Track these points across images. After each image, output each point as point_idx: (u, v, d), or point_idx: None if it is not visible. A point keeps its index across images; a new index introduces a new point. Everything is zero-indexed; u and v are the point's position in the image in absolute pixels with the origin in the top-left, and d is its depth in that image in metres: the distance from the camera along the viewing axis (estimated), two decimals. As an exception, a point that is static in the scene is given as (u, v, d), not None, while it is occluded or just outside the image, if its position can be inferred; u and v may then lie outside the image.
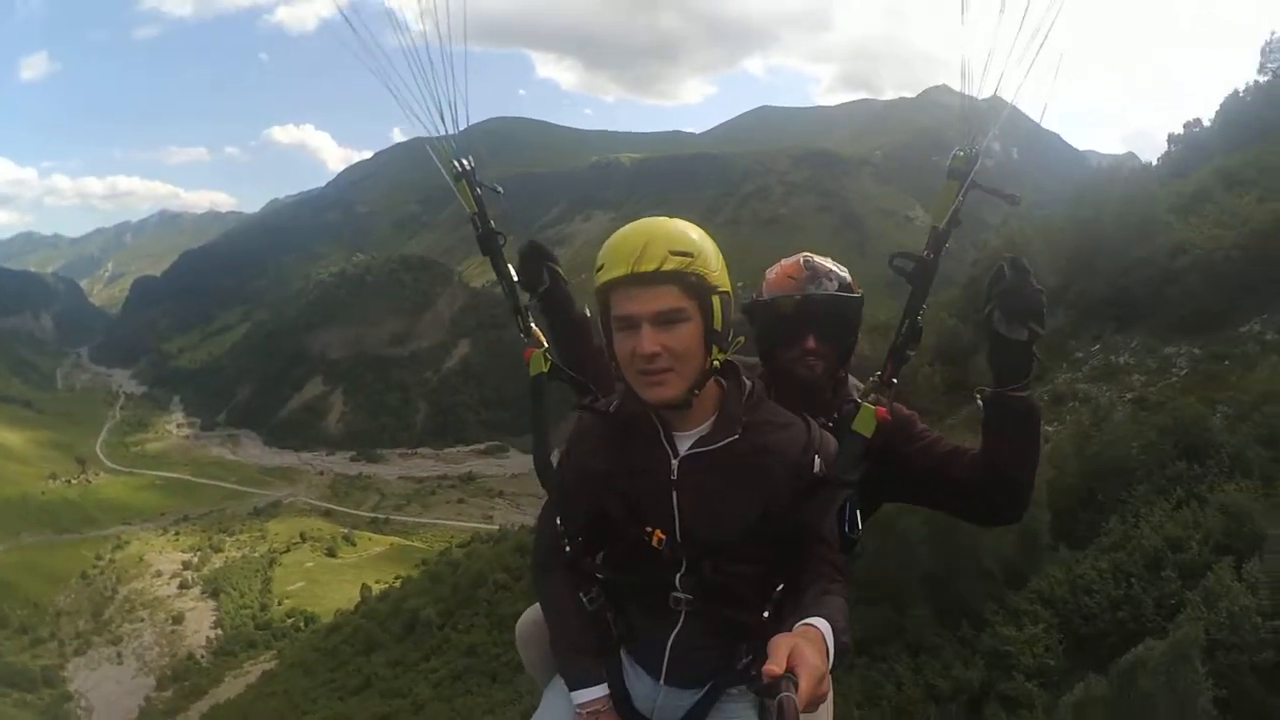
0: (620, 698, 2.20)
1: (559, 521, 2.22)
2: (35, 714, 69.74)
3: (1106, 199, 19.87)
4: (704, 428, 2.07)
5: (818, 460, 2.06)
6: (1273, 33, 29.72)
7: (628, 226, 2.00)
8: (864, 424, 2.17)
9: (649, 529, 2.05)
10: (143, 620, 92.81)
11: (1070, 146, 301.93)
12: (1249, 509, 9.59)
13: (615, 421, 2.13)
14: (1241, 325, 15.00)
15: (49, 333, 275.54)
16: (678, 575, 2.07)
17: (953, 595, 11.14)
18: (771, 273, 2.62)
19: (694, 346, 1.95)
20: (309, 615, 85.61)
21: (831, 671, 1.62)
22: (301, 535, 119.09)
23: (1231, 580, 8.11)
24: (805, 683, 1.44)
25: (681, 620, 2.11)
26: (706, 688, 2.15)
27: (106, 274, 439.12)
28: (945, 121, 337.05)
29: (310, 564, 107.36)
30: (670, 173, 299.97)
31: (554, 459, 2.30)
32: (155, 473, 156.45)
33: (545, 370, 2.42)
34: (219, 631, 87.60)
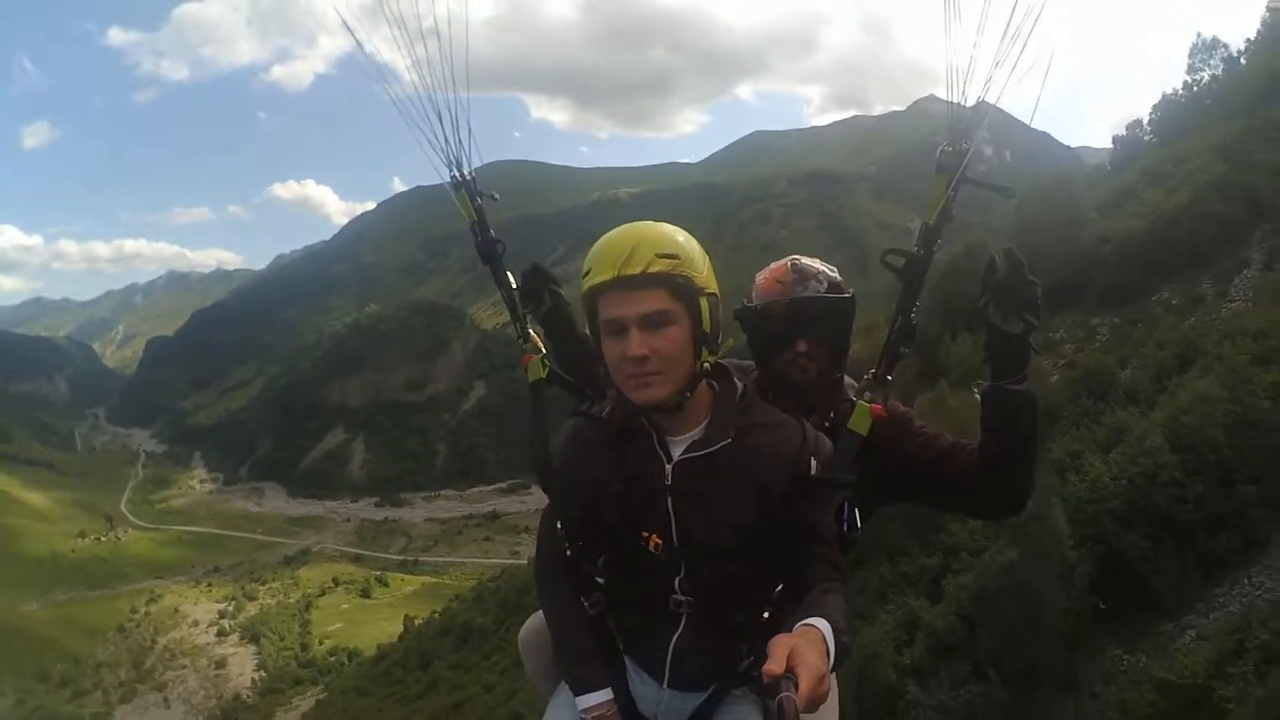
0: (624, 702, 2.24)
1: (559, 527, 2.26)
2: None
3: (1048, 201, 23.57)
4: (697, 432, 2.10)
5: (813, 461, 2.09)
6: (1198, 35, 32.80)
7: (614, 231, 2.03)
8: (859, 422, 2.24)
9: (645, 534, 2.08)
10: (185, 667, 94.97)
11: (1062, 145, 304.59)
12: (1129, 423, 12.92)
13: (609, 427, 2.17)
14: (1152, 295, 18.43)
15: (64, 396, 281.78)
16: (677, 579, 2.09)
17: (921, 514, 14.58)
18: (760, 278, 2.66)
19: (682, 349, 1.97)
20: (352, 651, 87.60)
21: (833, 671, 1.65)
22: (334, 580, 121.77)
23: (1099, 463, 11.57)
24: (805, 683, 1.44)
25: (683, 623, 2.13)
26: (710, 690, 2.19)
27: (118, 336, 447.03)
28: (936, 131, 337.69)
29: (346, 605, 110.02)
30: (669, 205, 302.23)
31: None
32: (182, 528, 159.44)
33: (543, 376, 2.49)
34: (263, 673, 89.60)
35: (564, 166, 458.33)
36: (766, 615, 2.05)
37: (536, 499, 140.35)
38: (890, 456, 2.38)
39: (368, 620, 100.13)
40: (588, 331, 2.12)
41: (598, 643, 2.23)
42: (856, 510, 2.27)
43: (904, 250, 2.27)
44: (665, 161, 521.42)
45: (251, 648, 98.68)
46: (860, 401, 2.24)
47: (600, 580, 2.18)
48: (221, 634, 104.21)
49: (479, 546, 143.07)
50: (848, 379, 2.60)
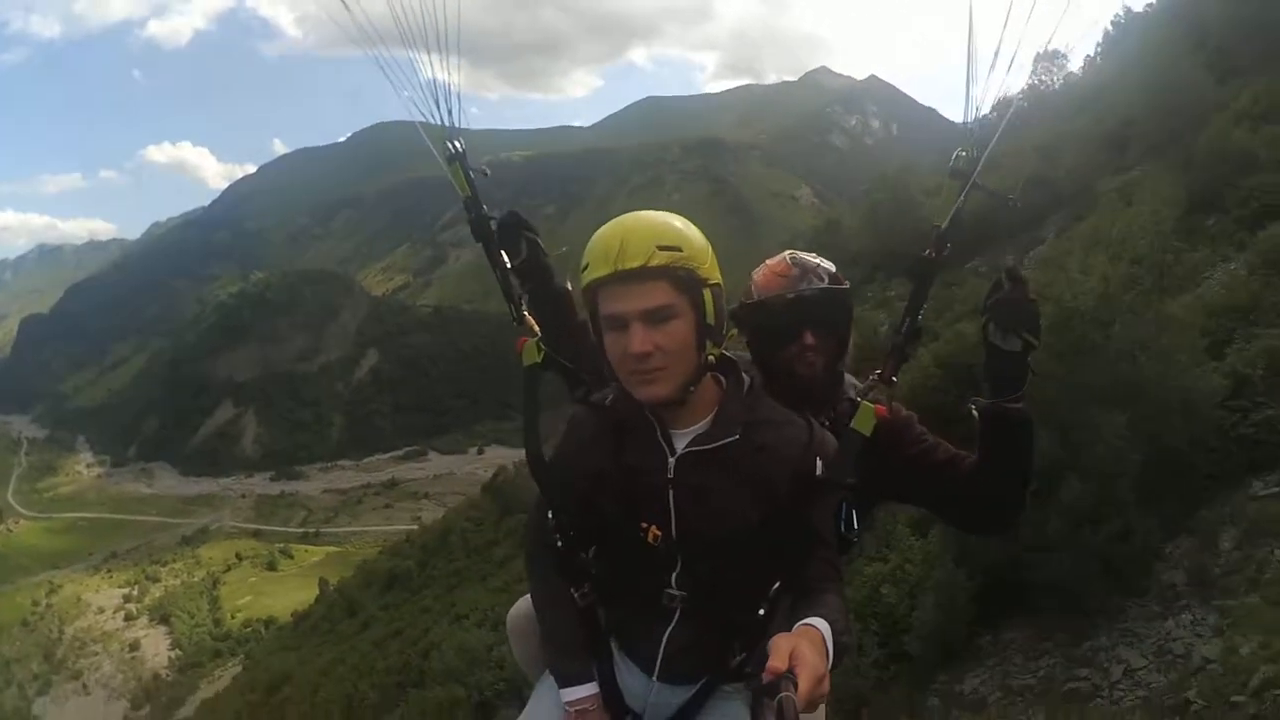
0: (611, 694, 2.21)
1: (550, 516, 2.21)
2: None
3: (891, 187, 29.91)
4: (702, 425, 2.05)
5: (818, 460, 2.05)
6: (1047, 43, 38.77)
7: (612, 222, 1.97)
8: (863, 422, 2.20)
9: (644, 526, 2.04)
10: (98, 653, 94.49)
11: (947, 120, 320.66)
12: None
13: (611, 417, 2.13)
14: (966, 264, 23.25)
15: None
16: (673, 573, 2.06)
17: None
18: (759, 274, 2.60)
19: (687, 343, 1.92)
20: (267, 620, 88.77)
21: (831, 672, 1.62)
22: (237, 555, 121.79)
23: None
24: (805, 683, 1.43)
25: (676, 617, 2.09)
26: (699, 685, 2.15)
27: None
28: (827, 103, 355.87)
29: (253, 579, 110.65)
30: (562, 169, 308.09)
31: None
32: (74, 515, 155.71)
33: (538, 360, 2.37)
34: (178, 651, 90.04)
35: (451, 127, 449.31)
36: (761, 612, 2.04)
37: (435, 464, 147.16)
38: (889, 459, 2.41)
39: (277, 591, 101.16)
40: (581, 316, 2.24)
41: (585, 635, 2.23)
42: (854, 511, 2.26)
43: (915, 254, 2.34)
44: (556, 125, 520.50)
45: (163, 628, 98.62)
46: (864, 402, 2.23)
47: (592, 571, 2.19)
48: (129, 618, 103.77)
49: (380, 514, 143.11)
50: (849, 377, 2.62)
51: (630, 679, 2.20)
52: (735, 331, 2.14)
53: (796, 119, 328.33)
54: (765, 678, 1.44)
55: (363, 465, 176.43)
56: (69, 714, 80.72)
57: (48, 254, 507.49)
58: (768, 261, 2.60)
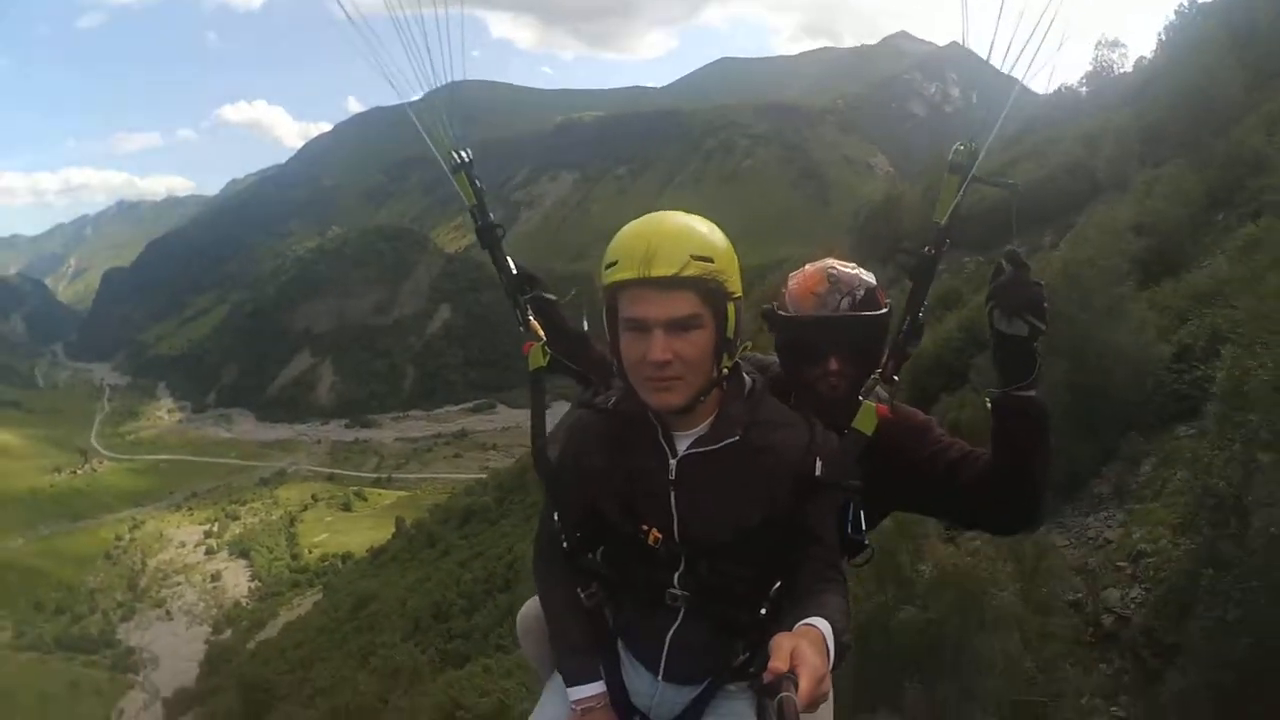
0: (618, 694, 2.24)
1: (556, 517, 2.25)
2: (104, 670, 76.25)
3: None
4: (703, 427, 2.07)
5: (819, 462, 2.05)
6: (1102, 34, 37.99)
7: (642, 222, 1.94)
8: (865, 421, 2.19)
9: (645, 527, 2.07)
10: (180, 583, 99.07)
11: (1031, 91, 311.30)
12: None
13: (614, 419, 2.14)
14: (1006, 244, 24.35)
15: (21, 335, 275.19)
16: (675, 574, 2.08)
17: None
18: (794, 281, 2.51)
19: (706, 354, 1.93)
20: (344, 555, 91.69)
21: (832, 672, 1.61)
22: (313, 497, 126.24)
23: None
24: (806, 683, 1.43)
25: (680, 617, 2.12)
26: (704, 684, 2.18)
27: (70, 270, 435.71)
28: (905, 69, 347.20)
29: (329, 518, 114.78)
30: (633, 131, 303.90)
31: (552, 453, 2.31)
32: (156, 456, 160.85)
33: (544, 364, 2.43)
34: (257, 583, 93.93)
35: (527, 88, 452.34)
36: (764, 612, 2.05)
37: (503, 417, 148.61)
38: (900, 462, 2.37)
39: (352, 530, 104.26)
40: (594, 319, 2.17)
41: (592, 634, 2.25)
42: (862, 513, 2.27)
43: (914, 250, 2.31)
44: (629, 85, 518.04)
45: (242, 562, 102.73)
46: (866, 401, 2.23)
47: (598, 572, 2.22)
48: (209, 552, 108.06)
49: (449, 463, 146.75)
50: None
51: (636, 679, 2.21)
52: (750, 344, 2.10)
53: (874, 85, 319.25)
54: (766, 678, 1.44)
55: (433, 416, 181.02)
56: (153, 637, 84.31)
57: (127, 209, 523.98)
58: (806, 269, 2.51)
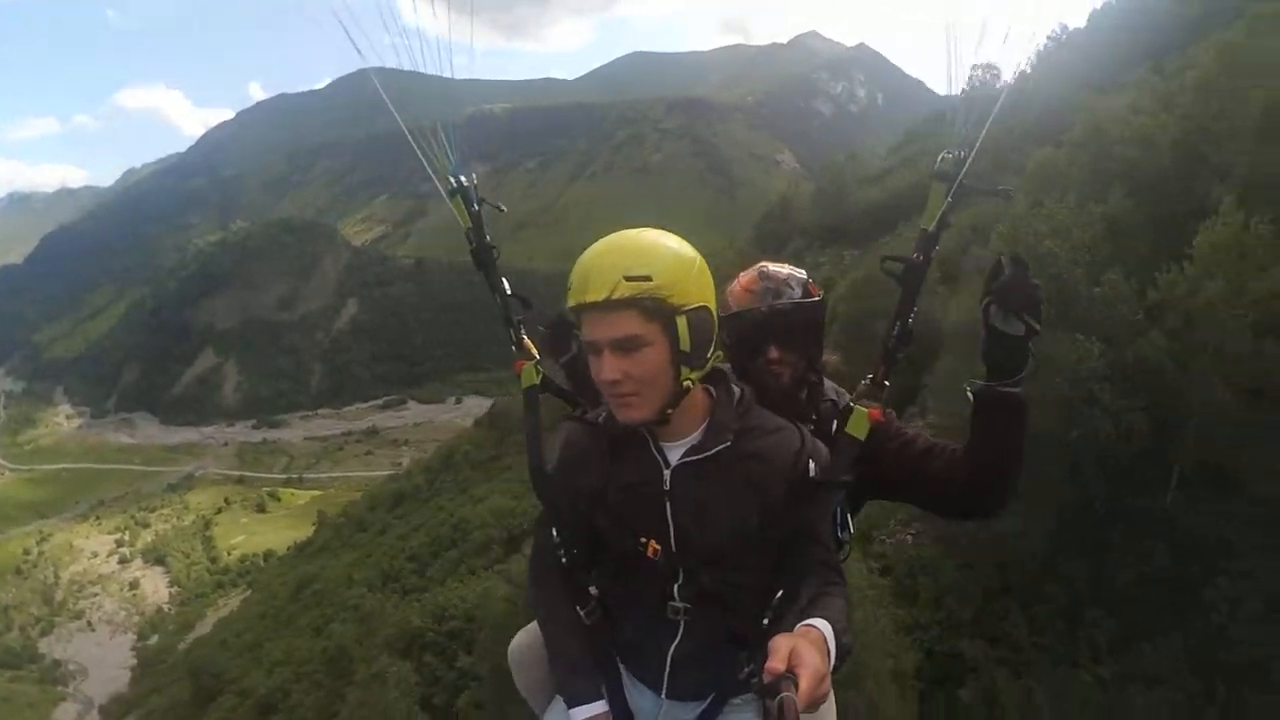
0: (621, 713, 2.22)
1: (553, 534, 2.25)
2: (33, 684, 75.83)
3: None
4: (694, 436, 2.07)
5: (811, 464, 2.06)
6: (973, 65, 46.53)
7: (596, 244, 1.96)
8: (857, 426, 2.23)
9: (643, 540, 2.06)
10: (97, 594, 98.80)
11: (932, 92, 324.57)
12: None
13: (604, 433, 2.14)
14: (881, 239, 29.74)
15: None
16: (675, 586, 2.08)
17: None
18: (734, 286, 2.66)
19: (657, 371, 1.93)
20: (266, 553, 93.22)
21: (833, 673, 1.63)
22: (226, 500, 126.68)
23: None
24: (806, 683, 1.44)
25: (681, 631, 2.11)
26: (709, 699, 2.17)
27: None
28: (814, 68, 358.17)
29: (244, 520, 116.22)
30: (545, 123, 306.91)
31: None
32: (57, 465, 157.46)
33: (536, 382, 2.48)
34: (177, 588, 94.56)
35: (436, 77, 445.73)
36: (765, 622, 2.05)
37: (414, 413, 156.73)
38: (875, 455, 2.42)
39: (270, 530, 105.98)
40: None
41: (593, 653, 2.24)
42: (848, 515, 2.42)
43: (903, 257, 2.33)
44: (542, 77, 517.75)
45: (159, 569, 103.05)
46: (858, 406, 2.27)
47: (596, 589, 2.22)
48: (123, 561, 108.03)
49: (361, 461, 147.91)
50: (828, 382, 2.66)
51: (640, 698, 2.25)
52: (721, 354, 2.17)
53: (783, 82, 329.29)
54: (765, 678, 1.46)
55: (343, 414, 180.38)
56: (77, 649, 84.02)
57: (18, 202, 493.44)
58: (741, 274, 2.71)
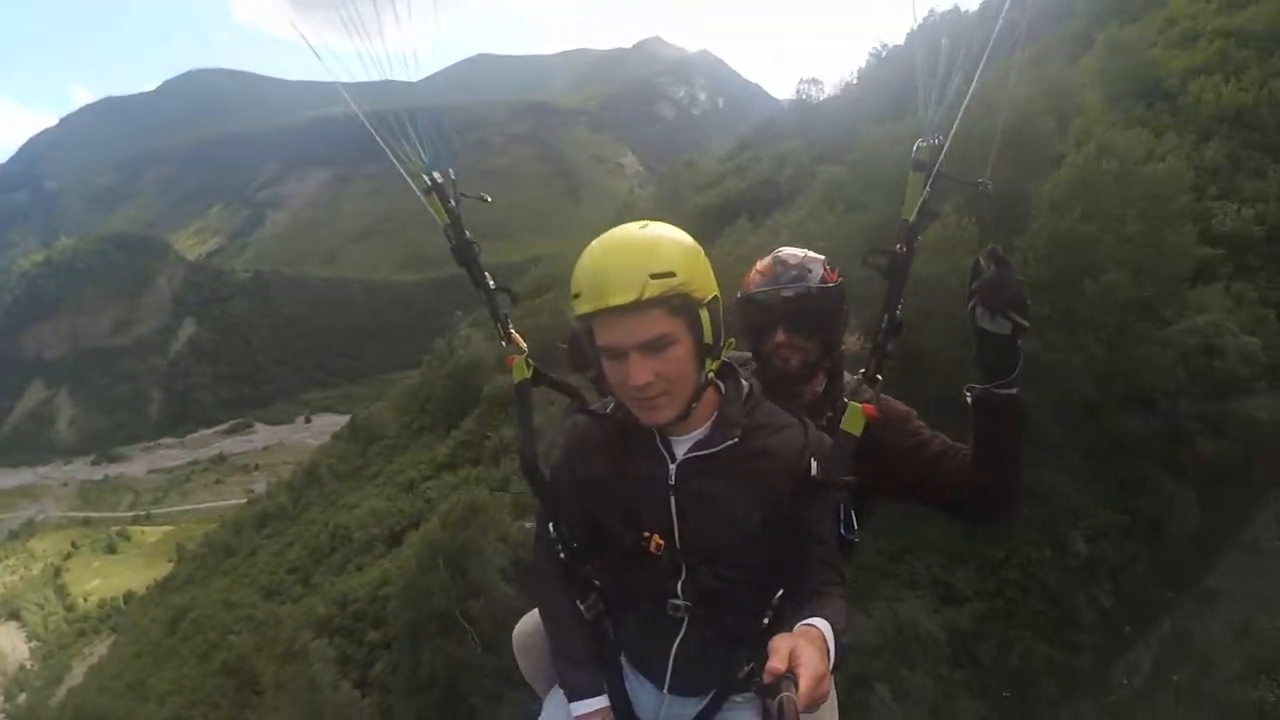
0: (622, 707, 2.25)
1: (552, 528, 2.27)
2: None
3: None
4: (701, 431, 2.09)
5: (814, 462, 2.07)
6: (800, 79, 52.18)
7: (599, 245, 1.93)
8: (853, 423, 2.27)
9: (647, 534, 2.07)
10: None
11: (771, 97, 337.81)
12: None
13: (611, 426, 2.17)
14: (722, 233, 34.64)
15: None
16: (678, 582, 2.09)
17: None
18: (752, 270, 2.75)
19: (686, 367, 1.95)
20: (126, 594, 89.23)
21: (833, 672, 1.65)
22: (73, 544, 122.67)
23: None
24: (805, 683, 1.45)
25: (683, 628, 2.13)
26: (710, 696, 2.19)
27: None
28: (657, 72, 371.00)
29: (96, 563, 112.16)
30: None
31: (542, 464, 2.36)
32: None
33: (528, 376, 2.49)
34: (36, 642, 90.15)
35: (273, 79, 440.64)
36: (767, 621, 2.08)
37: (262, 436, 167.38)
38: (884, 457, 2.47)
39: (126, 570, 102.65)
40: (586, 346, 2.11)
41: (594, 647, 2.27)
42: (853, 513, 2.44)
43: (887, 249, 2.35)
44: (383, 80, 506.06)
45: (13, 624, 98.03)
46: (852, 402, 2.29)
47: (598, 583, 2.25)
48: None
49: (211, 491, 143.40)
50: (849, 376, 2.65)
51: (641, 692, 2.27)
52: (733, 341, 2.14)
53: (626, 86, 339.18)
54: (765, 678, 1.48)
55: (187, 442, 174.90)
56: None
57: None
58: (760, 259, 2.81)
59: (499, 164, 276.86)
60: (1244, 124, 23.40)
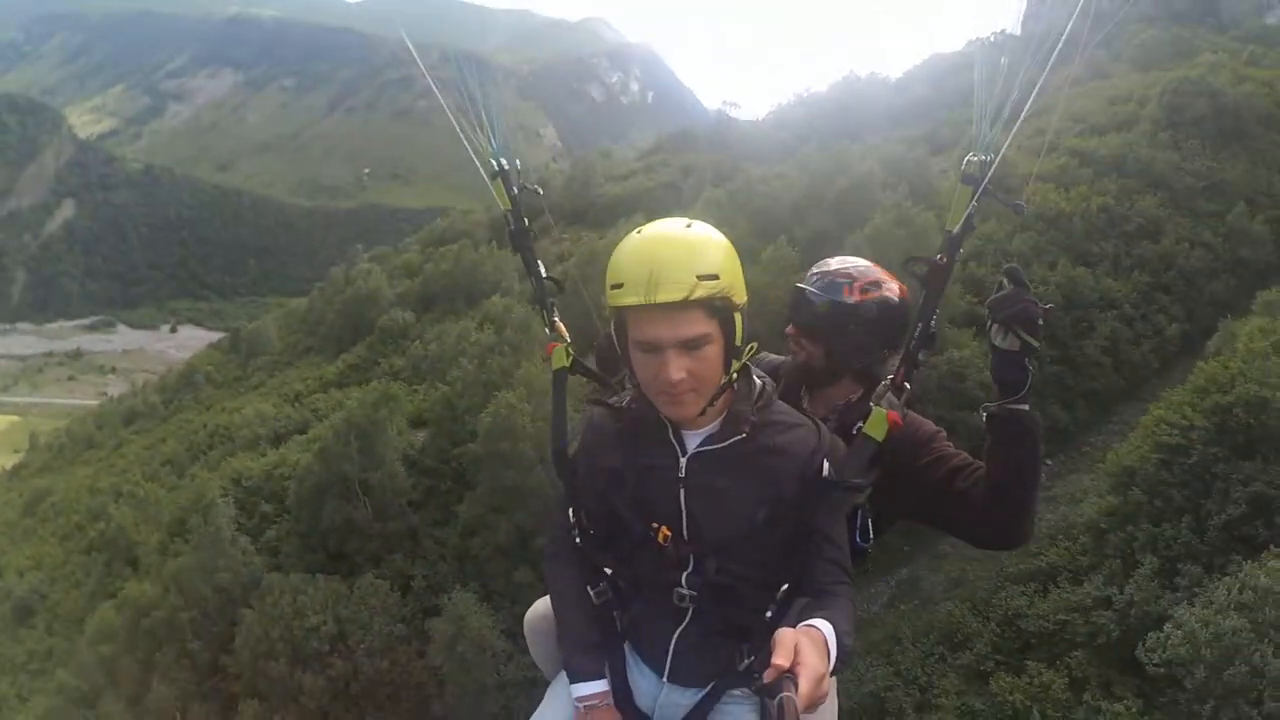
0: (622, 693, 2.32)
1: (570, 514, 2.37)
2: None
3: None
4: (712, 426, 2.17)
5: (826, 463, 2.14)
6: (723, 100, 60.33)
7: (644, 239, 2.00)
8: (875, 427, 2.26)
9: (655, 525, 2.16)
10: None
11: (700, 104, 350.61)
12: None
13: (626, 418, 2.25)
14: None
15: None
16: (684, 573, 2.17)
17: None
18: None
19: (717, 367, 2.04)
20: None
21: (834, 673, 1.72)
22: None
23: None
24: (805, 683, 1.48)
25: (687, 618, 2.21)
26: (708, 688, 2.26)
27: None
28: (594, 52, 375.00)
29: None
30: (311, 41, 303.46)
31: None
32: None
33: (567, 365, 2.60)
34: None
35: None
36: (769, 615, 2.13)
37: (124, 338, 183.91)
38: (901, 470, 2.47)
39: None
40: (613, 335, 2.17)
41: (599, 632, 2.34)
42: (870, 521, 2.48)
43: (926, 258, 2.38)
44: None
45: None
46: (876, 407, 2.30)
47: (608, 570, 2.31)
48: None
49: (63, 386, 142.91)
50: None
51: (641, 679, 2.36)
52: (755, 345, 2.22)
53: (562, 59, 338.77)
54: (766, 676, 1.50)
55: (45, 331, 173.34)
56: None
57: None
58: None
59: (418, 105, 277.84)
60: (1056, 226, 28.49)
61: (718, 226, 2.02)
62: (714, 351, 2.02)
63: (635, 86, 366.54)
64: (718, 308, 1.98)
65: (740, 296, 2.03)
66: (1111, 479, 16.84)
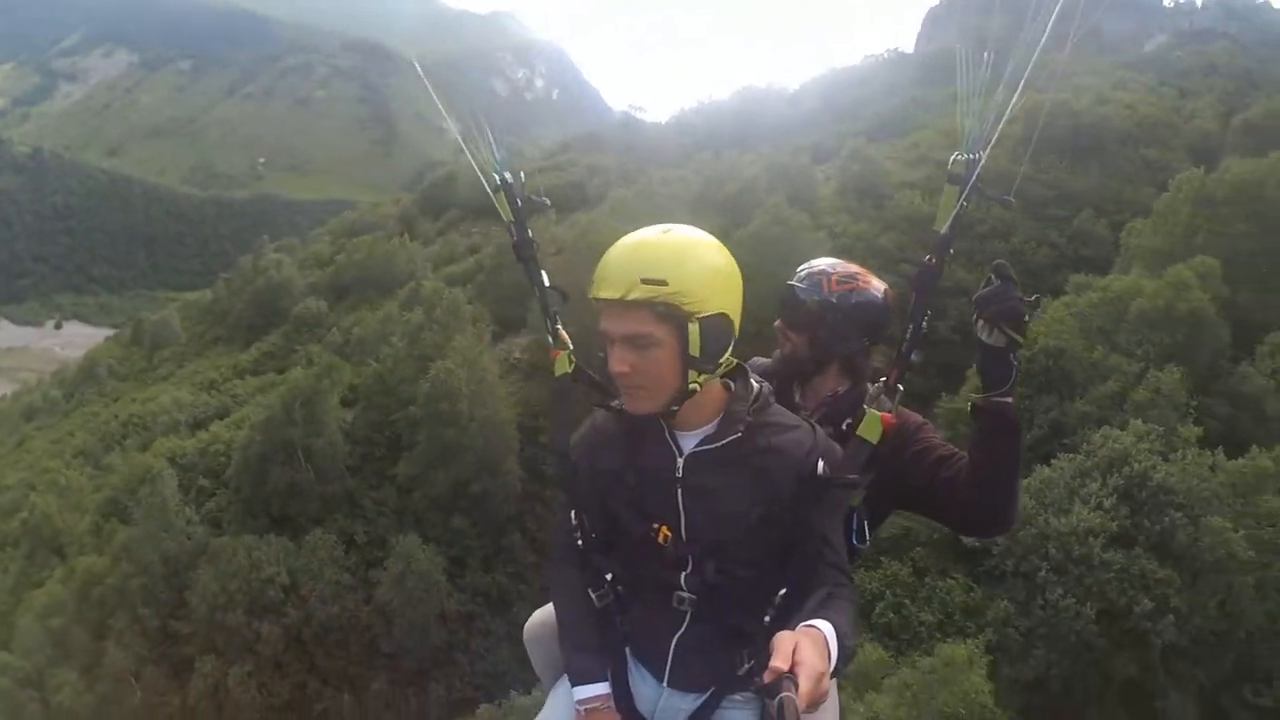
0: (622, 697, 2.34)
1: (573, 517, 2.42)
2: None
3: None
4: (709, 427, 2.22)
5: (821, 464, 2.17)
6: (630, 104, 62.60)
7: (622, 239, 2.12)
8: (870, 430, 2.34)
9: (655, 525, 2.21)
10: None
11: (605, 104, 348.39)
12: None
13: (625, 419, 2.28)
14: None
15: None
16: (683, 575, 2.21)
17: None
18: None
19: (665, 371, 2.08)
20: None
21: (834, 674, 1.73)
22: None
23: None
24: (805, 683, 1.50)
25: (686, 622, 2.25)
26: (708, 692, 2.28)
27: None
28: (501, 47, 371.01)
29: None
30: (210, 23, 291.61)
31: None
32: None
33: (569, 371, 2.61)
34: None
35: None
36: (768, 619, 2.17)
37: (7, 335, 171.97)
38: (891, 465, 2.55)
39: None
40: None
41: (600, 636, 2.37)
42: (865, 523, 2.49)
43: (916, 259, 2.42)
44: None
45: None
46: (870, 410, 2.37)
47: (609, 574, 2.36)
48: None
49: None
50: (871, 386, 2.65)
51: (642, 684, 2.39)
52: (734, 360, 2.27)
53: (466, 51, 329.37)
54: (767, 676, 1.53)
55: None
56: None
57: None
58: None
59: (317, 95, 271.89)
60: (918, 226, 33.31)
61: (631, 226, 2.26)
62: (662, 355, 2.09)
63: (540, 83, 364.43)
64: (663, 313, 2.05)
65: (699, 307, 2.07)
66: (944, 420, 22.71)
